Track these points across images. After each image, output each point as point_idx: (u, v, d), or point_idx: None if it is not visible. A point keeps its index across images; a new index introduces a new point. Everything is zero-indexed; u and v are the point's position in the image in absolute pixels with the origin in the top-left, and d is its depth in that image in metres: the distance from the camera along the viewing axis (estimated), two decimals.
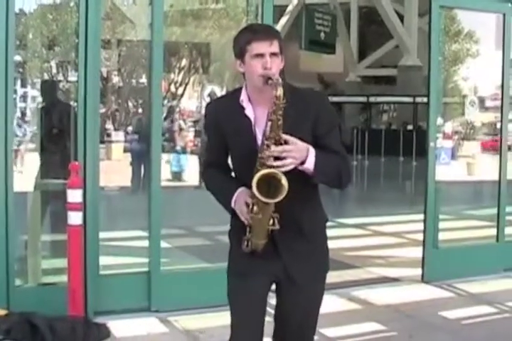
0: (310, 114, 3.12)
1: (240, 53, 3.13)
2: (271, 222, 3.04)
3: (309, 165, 2.99)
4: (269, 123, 2.95)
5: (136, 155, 15.33)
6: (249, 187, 3.01)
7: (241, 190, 3.13)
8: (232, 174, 3.33)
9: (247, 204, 3.05)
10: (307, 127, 3.10)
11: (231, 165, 3.34)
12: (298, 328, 3.33)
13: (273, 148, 2.94)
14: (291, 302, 3.28)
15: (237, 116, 3.16)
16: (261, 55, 3.04)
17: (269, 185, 2.93)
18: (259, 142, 3.05)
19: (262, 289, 3.25)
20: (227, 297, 3.30)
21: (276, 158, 2.94)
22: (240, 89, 3.22)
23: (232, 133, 3.18)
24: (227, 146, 3.24)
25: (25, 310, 4.94)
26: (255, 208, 3.01)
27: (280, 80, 2.97)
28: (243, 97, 3.17)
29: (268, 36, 3.09)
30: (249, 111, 3.14)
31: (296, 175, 2.97)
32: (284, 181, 2.91)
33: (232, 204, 3.15)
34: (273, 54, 3.06)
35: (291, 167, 2.95)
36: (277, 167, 2.93)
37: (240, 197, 3.12)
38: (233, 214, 3.20)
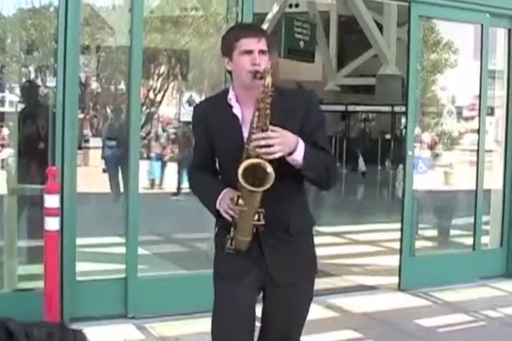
0: (298, 113, 3.10)
1: (228, 50, 3.13)
2: (256, 217, 3.00)
3: (298, 156, 2.96)
4: (257, 112, 2.94)
5: (110, 162, 15.10)
6: (236, 188, 3.00)
7: (226, 190, 3.11)
8: (219, 177, 3.31)
9: (232, 199, 3.02)
10: (295, 126, 3.05)
11: (217, 167, 3.32)
12: (283, 333, 3.30)
13: (257, 134, 2.92)
14: (277, 307, 3.25)
15: (224, 114, 3.15)
16: (249, 52, 3.04)
17: (254, 176, 2.90)
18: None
19: (251, 294, 3.21)
20: (214, 300, 3.22)
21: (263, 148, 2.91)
22: (228, 90, 3.21)
23: (220, 131, 3.16)
24: (214, 147, 3.22)
25: (0, 316, 4.90)
26: (240, 201, 2.97)
27: (269, 69, 2.96)
28: (231, 96, 3.16)
29: (256, 33, 3.10)
30: (236, 110, 3.14)
31: (283, 173, 2.94)
32: (270, 169, 2.88)
33: (217, 205, 3.12)
34: (261, 51, 3.06)
35: (279, 155, 2.91)
36: (263, 154, 2.89)
37: (225, 197, 3.09)
38: (218, 216, 3.17)
